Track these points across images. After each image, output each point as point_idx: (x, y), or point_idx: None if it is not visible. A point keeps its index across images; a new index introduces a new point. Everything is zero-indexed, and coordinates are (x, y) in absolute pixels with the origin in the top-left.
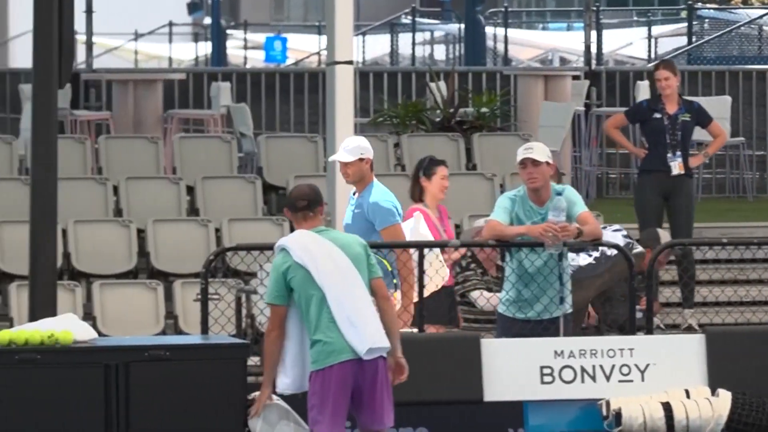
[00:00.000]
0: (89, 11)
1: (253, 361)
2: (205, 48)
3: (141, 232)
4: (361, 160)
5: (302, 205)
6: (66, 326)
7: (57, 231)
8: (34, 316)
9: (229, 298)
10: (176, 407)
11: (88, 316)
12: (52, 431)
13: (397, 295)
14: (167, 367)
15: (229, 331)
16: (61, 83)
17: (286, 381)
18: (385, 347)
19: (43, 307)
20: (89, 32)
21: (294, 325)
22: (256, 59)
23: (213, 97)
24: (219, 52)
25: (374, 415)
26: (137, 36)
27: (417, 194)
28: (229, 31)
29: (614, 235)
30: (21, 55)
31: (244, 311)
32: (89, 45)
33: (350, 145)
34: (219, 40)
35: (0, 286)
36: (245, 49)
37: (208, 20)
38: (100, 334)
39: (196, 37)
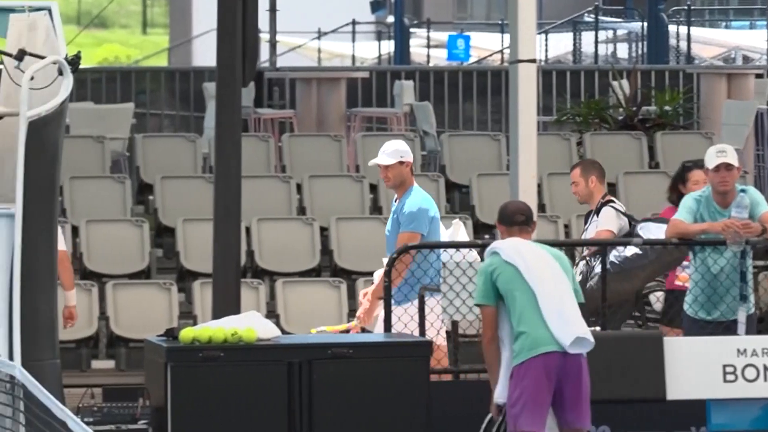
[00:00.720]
0: (273, 10)
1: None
2: (388, 46)
3: (324, 230)
4: (401, 163)
5: (520, 220)
6: (249, 324)
7: (241, 229)
8: (217, 314)
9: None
10: (358, 406)
11: (272, 314)
12: (236, 429)
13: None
14: (350, 365)
15: (411, 329)
16: (245, 82)
17: (499, 389)
18: (591, 343)
19: (226, 304)
20: (273, 31)
21: (505, 333)
22: (439, 57)
23: (396, 95)
24: (402, 51)
25: (578, 413)
26: (320, 34)
27: (674, 200)
28: (412, 30)
29: None
30: (205, 54)
31: (426, 310)
32: (273, 43)
33: (390, 149)
34: (402, 38)
35: (184, 283)
36: (428, 48)
37: (391, 18)
38: (283, 331)
39: (379, 36)
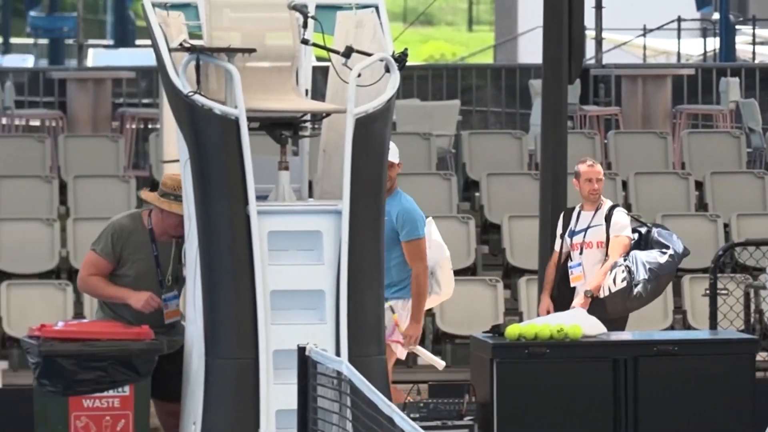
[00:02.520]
0: (599, 7)
1: (761, 356)
2: (714, 43)
3: None
4: (391, 165)
5: None
6: (575, 321)
7: None
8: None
9: (737, 294)
10: (683, 403)
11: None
12: (561, 425)
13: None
14: (675, 363)
15: (737, 326)
16: (571, 79)
17: None
18: None
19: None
20: (599, 28)
21: None
22: (765, 55)
23: (722, 92)
24: (727, 48)
25: None
26: (646, 31)
27: None
28: (737, 27)
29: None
30: (530, 51)
31: (752, 306)
32: (599, 40)
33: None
34: (727, 35)
35: (509, 280)
36: (753, 45)
37: (716, 15)
38: (690, 328)
39: (705, 33)
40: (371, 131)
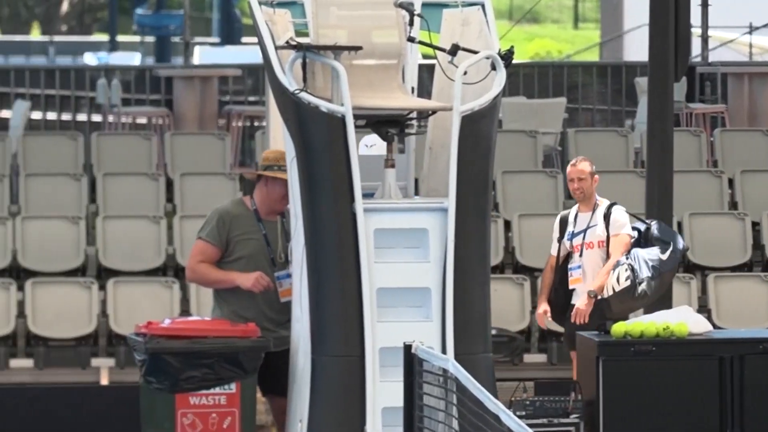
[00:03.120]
0: (705, 5)
1: None
2: None
3: (755, 225)
4: None
5: None
6: (681, 318)
7: (673, 223)
8: (650, 308)
9: None
10: None
11: (703, 309)
12: (667, 423)
13: None
14: None
15: None
16: (677, 76)
17: None
18: None
19: (660, 299)
20: (704, 25)
21: None
22: None
23: None
24: None
25: None
26: (752, 29)
27: None
28: None
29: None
30: (636, 48)
31: None
32: (705, 38)
33: (377, 143)
34: None
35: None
36: None
37: None
38: (714, 327)
39: None
40: (477, 129)
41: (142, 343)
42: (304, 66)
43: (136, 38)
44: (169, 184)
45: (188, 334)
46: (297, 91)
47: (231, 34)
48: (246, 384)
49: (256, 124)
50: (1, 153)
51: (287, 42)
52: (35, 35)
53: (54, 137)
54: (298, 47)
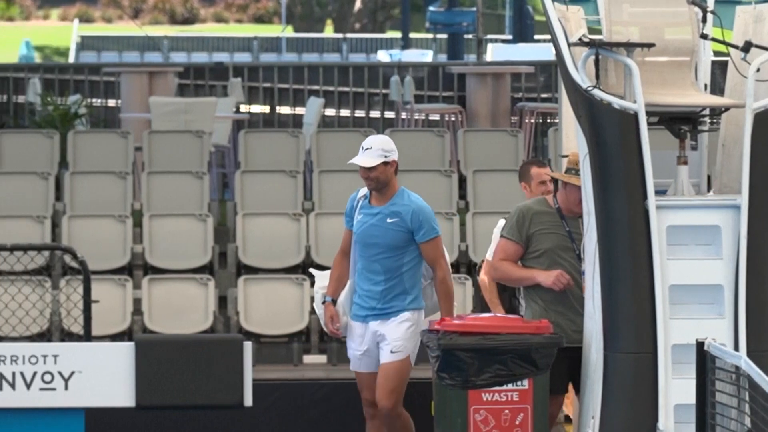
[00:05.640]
0: None
1: None
2: None
3: None
4: (385, 164)
5: None
6: None
7: None
8: None
9: None
10: None
11: None
12: None
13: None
14: None
15: None
16: None
17: None
18: None
19: None
20: None
21: None
22: None
23: None
24: None
25: None
26: None
27: None
28: None
29: None
30: None
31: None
32: None
33: (372, 146)
34: None
35: None
36: None
37: None
38: None
39: None
40: None
41: (436, 339)
42: (596, 63)
43: (429, 35)
44: (462, 181)
45: (481, 330)
46: (590, 88)
47: (523, 31)
48: (538, 381)
49: (548, 120)
50: (294, 149)
51: (580, 39)
52: (328, 33)
53: (347, 134)
54: (591, 44)
